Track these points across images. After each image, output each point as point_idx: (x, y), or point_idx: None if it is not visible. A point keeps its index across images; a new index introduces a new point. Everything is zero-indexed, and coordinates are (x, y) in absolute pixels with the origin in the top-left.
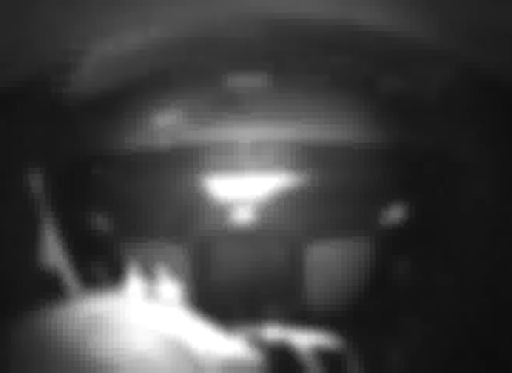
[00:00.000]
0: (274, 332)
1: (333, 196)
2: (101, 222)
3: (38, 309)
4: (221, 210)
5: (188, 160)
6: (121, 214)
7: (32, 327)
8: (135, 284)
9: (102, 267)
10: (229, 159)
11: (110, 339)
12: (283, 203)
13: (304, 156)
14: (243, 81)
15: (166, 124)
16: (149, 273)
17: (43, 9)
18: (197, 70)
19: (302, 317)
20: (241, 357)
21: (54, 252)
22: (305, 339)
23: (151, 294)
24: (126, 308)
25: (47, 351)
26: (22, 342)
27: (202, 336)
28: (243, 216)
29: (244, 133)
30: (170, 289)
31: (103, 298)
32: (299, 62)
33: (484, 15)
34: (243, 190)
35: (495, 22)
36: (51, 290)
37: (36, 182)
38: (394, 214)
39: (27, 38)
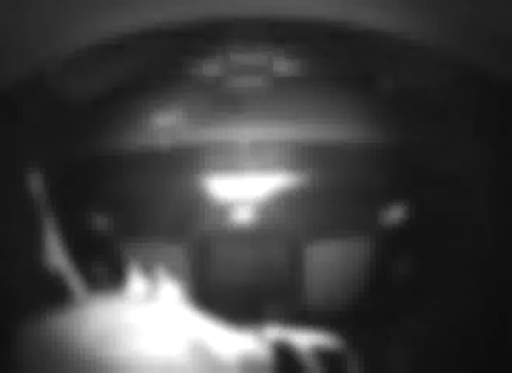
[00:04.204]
0: (274, 332)
1: (333, 196)
2: (101, 222)
3: (44, 313)
4: (221, 210)
5: (188, 160)
6: (121, 214)
7: (42, 334)
8: (136, 284)
9: (102, 267)
10: (229, 159)
11: (125, 342)
12: (283, 203)
13: (304, 156)
14: (243, 81)
15: (166, 124)
16: (149, 273)
17: (43, 9)
18: (197, 70)
19: (302, 317)
20: (255, 354)
21: (54, 253)
22: (305, 339)
23: (152, 294)
24: (135, 310)
25: (59, 357)
26: (32, 349)
27: (217, 335)
28: (243, 216)
29: (244, 133)
30: (171, 289)
31: (110, 300)
32: (298, 62)
33: (483, 15)
34: (243, 190)
35: (494, 23)
36: (53, 290)
37: (36, 182)
38: (394, 214)
39: (27, 38)
